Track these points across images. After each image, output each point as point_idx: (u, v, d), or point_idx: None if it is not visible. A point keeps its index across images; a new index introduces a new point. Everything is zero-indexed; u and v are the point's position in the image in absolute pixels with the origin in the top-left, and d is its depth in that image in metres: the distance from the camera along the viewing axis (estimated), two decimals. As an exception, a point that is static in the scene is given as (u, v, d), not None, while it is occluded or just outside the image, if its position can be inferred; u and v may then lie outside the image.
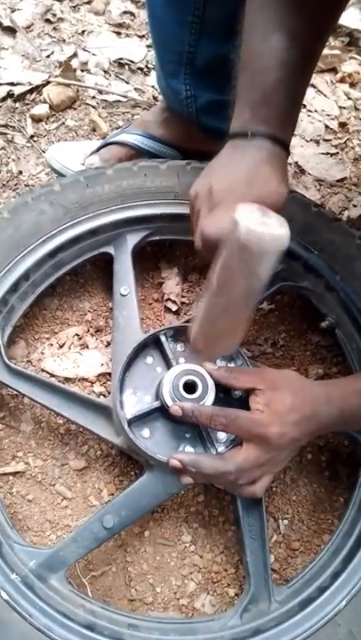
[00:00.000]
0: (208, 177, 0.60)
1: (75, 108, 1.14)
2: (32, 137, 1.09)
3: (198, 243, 0.57)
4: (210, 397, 0.68)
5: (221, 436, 0.71)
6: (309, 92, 1.27)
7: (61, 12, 1.28)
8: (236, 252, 0.48)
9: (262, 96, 0.57)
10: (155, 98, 1.18)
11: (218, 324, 0.57)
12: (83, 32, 1.26)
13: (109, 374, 0.82)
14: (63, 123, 1.12)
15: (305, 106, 1.23)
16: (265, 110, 0.57)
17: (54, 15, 1.26)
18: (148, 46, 1.25)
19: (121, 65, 1.23)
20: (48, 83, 1.14)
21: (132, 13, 1.31)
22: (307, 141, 1.18)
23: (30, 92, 1.14)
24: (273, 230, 0.47)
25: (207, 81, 0.85)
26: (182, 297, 0.91)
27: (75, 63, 1.20)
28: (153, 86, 1.20)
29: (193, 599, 0.72)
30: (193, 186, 0.62)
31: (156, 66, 0.93)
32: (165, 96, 0.95)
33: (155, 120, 0.98)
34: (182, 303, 0.90)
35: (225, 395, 0.73)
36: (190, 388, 0.69)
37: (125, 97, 1.17)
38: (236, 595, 0.73)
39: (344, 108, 1.25)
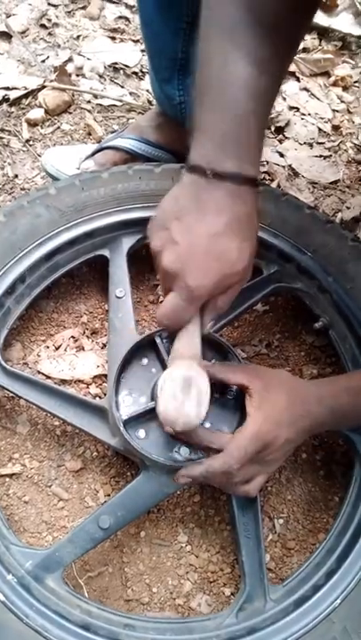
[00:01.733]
0: (164, 233, 0.55)
1: (70, 113, 1.15)
2: (27, 141, 1.10)
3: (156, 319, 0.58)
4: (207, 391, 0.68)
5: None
6: (303, 95, 1.28)
7: (56, 17, 1.28)
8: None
9: (230, 126, 0.52)
10: (149, 102, 1.19)
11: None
12: (78, 37, 1.27)
13: (105, 376, 0.82)
14: (59, 127, 1.13)
15: (298, 109, 1.25)
16: (233, 145, 0.52)
17: (49, 20, 1.27)
18: (142, 51, 1.26)
19: (116, 69, 1.24)
20: (43, 87, 1.15)
21: (126, 18, 1.32)
22: (300, 144, 1.19)
23: (26, 96, 1.14)
24: (186, 411, 0.57)
25: None
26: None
27: (70, 68, 1.21)
28: (148, 90, 1.21)
29: (189, 599, 0.73)
30: (149, 231, 0.57)
31: (149, 72, 0.94)
32: (159, 101, 0.96)
33: (149, 125, 0.99)
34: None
35: (220, 395, 0.74)
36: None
37: (120, 101, 1.18)
38: (232, 594, 0.73)
39: (337, 111, 1.26)
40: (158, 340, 0.75)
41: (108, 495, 0.76)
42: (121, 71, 1.24)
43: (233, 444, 0.60)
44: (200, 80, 0.54)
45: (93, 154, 0.98)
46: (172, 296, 0.55)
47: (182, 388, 0.57)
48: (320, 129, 1.23)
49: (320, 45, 1.35)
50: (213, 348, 0.75)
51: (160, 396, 0.58)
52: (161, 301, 0.89)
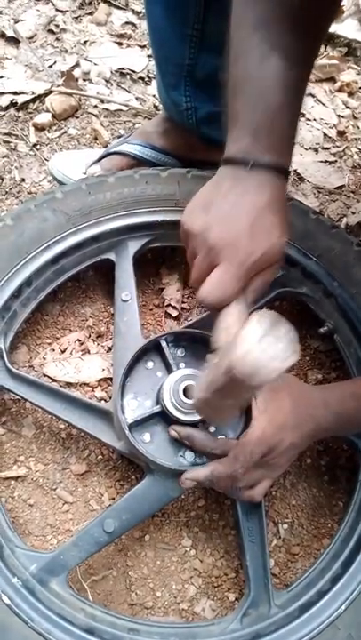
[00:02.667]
0: (206, 213, 0.56)
1: (77, 117, 1.16)
2: (35, 145, 1.11)
3: (198, 298, 0.55)
4: None
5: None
6: (308, 100, 1.28)
7: (64, 22, 1.30)
8: (229, 370, 0.46)
9: (265, 121, 0.54)
10: (156, 107, 1.19)
11: (217, 406, 0.57)
12: (85, 42, 1.28)
13: (110, 379, 0.83)
14: (65, 131, 1.14)
15: (304, 115, 1.25)
16: (268, 136, 0.54)
17: (57, 26, 1.28)
18: (149, 56, 1.27)
19: (122, 74, 1.25)
20: (51, 92, 1.16)
21: (133, 24, 1.33)
22: (306, 149, 1.20)
23: (33, 100, 1.15)
24: (275, 358, 0.44)
25: (207, 93, 0.86)
26: (183, 303, 0.92)
27: (77, 73, 1.22)
28: (154, 95, 1.21)
29: (193, 603, 0.72)
30: (187, 216, 0.58)
31: (156, 77, 0.94)
32: (166, 107, 0.96)
33: (155, 130, 1.00)
34: (183, 309, 0.91)
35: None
36: (190, 392, 0.69)
37: (127, 106, 1.19)
38: (236, 599, 0.73)
39: (342, 116, 1.27)
40: (164, 344, 0.75)
41: (113, 499, 0.77)
42: (128, 76, 1.25)
43: (238, 447, 0.60)
44: (233, 76, 0.56)
45: (100, 159, 0.99)
46: (221, 269, 0.53)
47: (269, 328, 0.45)
48: (325, 134, 1.23)
49: (326, 51, 1.36)
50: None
51: (238, 341, 0.45)
52: (167, 305, 0.90)
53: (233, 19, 0.56)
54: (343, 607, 0.64)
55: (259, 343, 0.44)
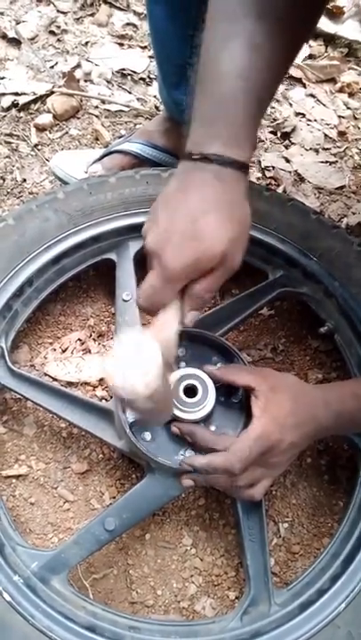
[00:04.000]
0: (150, 219, 0.55)
1: (78, 118, 1.16)
2: (36, 146, 1.11)
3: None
4: (210, 401, 0.68)
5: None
6: (309, 101, 1.29)
7: (65, 23, 1.30)
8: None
9: (217, 107, 0.52)
10: (157, 107, 1.20)
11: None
12: (86, 43, 1.29)
13: (111, 379, 0.83)
14: (67, 132, 1.14)
15: (304, 115, 1.25)
16: (218, 124, 0.52)
17: (58, 27, 1.29)
18: (150, 57, 1.28)
19: (124, 75, 1.25)
20: (52, 93, 1.17)
21: (134, 25, 1.34)
22: (306, 150, 1.20)
23: (34, 101, 1.16)
24: (133, 380, 0.49)
25: None
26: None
27: (78, 74, 1.22)
28: (155, 96, 1.22)
29: (194, 602, 0.73)
30: (147, 218, 0.57)
31: (157, 77, 0.95)
32: (167, 106, 0.97)
33: (157, 130, 1.00)
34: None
35: (225, 398, 0.74)
36: (190, 391, 0.70)
37: (128, 106, 1.19)
38: (236, 598, 0.73)
39: (343, 117, 1.27)
40: (164, 344, 0.75)
41: (114, 497, 0.77)
42: (129, 77, 1.25)
43: (237, 443, 0.60)
44: (198, 68, 0.54)
45: (101, 158, 1.00)
46: (150, 275, 0.53)
47: (132, 352, 0.50)
48: (326, 135, 1.23)
49: (326, 52, 1.36)
50: (219, 352, 0.75)
51: (107, 361, 0.50)
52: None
53: (208, 14, 0.54)
54: (343, 605, 0.64)
55: (122, 366, 0.49)
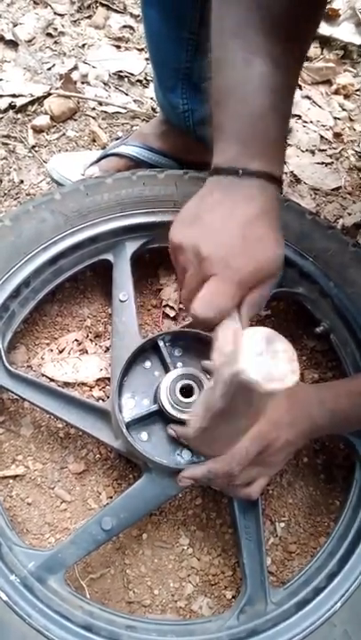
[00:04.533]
0: (195, 227, 0.53)
1: (75, 119, 1.17)
2: (33, 147, 1.11)
3: (191, 315, 0.53)
4: None
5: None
6: (305, 103, 1.29)
7: (62, 26, 1.31)
8: (232, 387, 0.44)
9: (250, 127, 0.52)
10: (153, 109, 1.20)
11: (215, 436, 0.57)
12: (83, 45, 1.29)
13: (108, 379, 0.83)
14: (64, 133, 1.14)
15: (300, 117, 1.26)
16: (255, 143, 0.52)
17: (55, 29, 1.29)
18: (146, 59, 1.28)
19: (120, 77, 1.26)
20: (49, 94, 1.17)
21: (131, 27, 1.34)
22: (302, 151, 1.21)
23: (32, 103, 1.16)
24: (276, 370, 0.42)
25: (204, 95, 0.87)
26: (180, 303, 0.92)
27: (75, 75, 1.23)
28: (152, 98, 1.22)
29: (190, 601, 0.73)
30: (176, 230, 0.55)
31: (154, 80, 0.95)
32: (163, 109, 0.97)
33: (153, 132, 1.01)
34: (180, 309, 0.92)
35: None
36: (187, 391, 0.70)
37: (125, 108, 1.19)
38: (233, 597, 0.73)
39: (339, 118, 1.28)
40: (161, 344, 0.76)
41: (111, 497, 0.77)
42: (125, 79, 1.26)
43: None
44: (217, 85, 0.54)
45: (98, 160, 1.00)
46: (212, 284, 0.51)
47: (266, 345, 0.43)
48: (322, 136, 1.24)
49: (322, 54, 1.37)
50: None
51: (238, 358, 0.43)
52: (165, 306, 0.91)
53: (212, 25, 0.54)
54: (339, 604, 0.65)
55: (261, 354, 0.43)
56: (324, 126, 1.26)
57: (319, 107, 1.29)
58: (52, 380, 0.83)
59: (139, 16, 1.34)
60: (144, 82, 1.26)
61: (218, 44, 0.54)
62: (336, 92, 1.32)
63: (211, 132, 0.55)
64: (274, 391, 0.42)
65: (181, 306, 0.93)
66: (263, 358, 0.42)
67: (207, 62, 0.56)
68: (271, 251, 0.52)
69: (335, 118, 1.27)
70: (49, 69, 1.23)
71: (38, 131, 1.14)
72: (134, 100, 1.23)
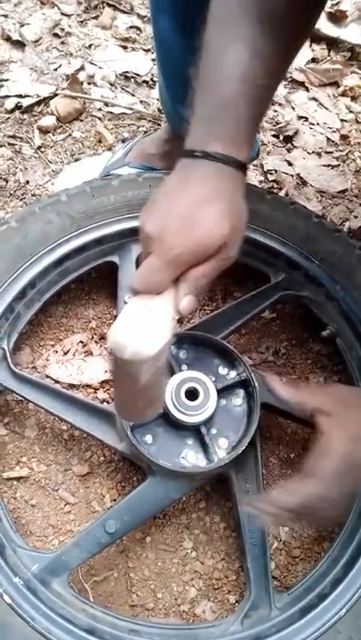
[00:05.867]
0: (149, 209, 0.55)
1: (81, 120, 1.17)
2: (39, 148, 1.11)
3: (130, 290, 0.55)
4: (211, 404, 0.69)
5: (223, 442, 0.72)
6: (312, 104, 1.29)
7: (69, 26, 1.30)
8: (110, 352, 0.51)
9: (218, 109, 0.53)
10: (160, 110, 1.20)
11: (128, 404, 0.59)
12: (90, 46, 1.29)
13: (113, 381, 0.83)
14: (70, 134, 1.14)
15: (307, 119, 1.26)
16: (219, 125, 0.53)
17: (62, 29, 1.29)
18: (153, 60, 1.28)
19: (127, 78, 1.26)
20: (55, 95, 1.17)
21: (137, 28, 1.34)
22: (309, 153, 1.20)
23: (38, 103, 1.16)
24: (141, 341, 0.48)
25: None
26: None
27: (82, 76, 1.23)
28: (158, 99, 1.22)
29: (194, 605, 0.73)
30: (142, 212, 0.57)
31: (161, 91, 0.94)
32: (171, 121, 0.96)
33: (157, 153, 1.00)
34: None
35: (227, 402, 0.74)
36: (192, 394, 0.70)
37: (131, 109, 1.19)
38: (236, 601, 0.73)
39: (346, 120, 1.27)
40: (166, 346, 0.75)
41: (115, 500, 0.77)
42: (132, 80, 1.26)
43: (316, 464, 0.54)
44: (198, 70, 0.55)
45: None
46: (149, 260, 0.53)
47: (141, 314, 0.50)
48: (328, 138, 1.23)
49: (329, 56, 1.36)
50: (221, 355, 0.75)
51: (113, 325, 0.50)
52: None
53: (207, 18, 0.55)
54: (344, 610, 0.64)
55: (125, 323, 0.49)
56: (330, 128, 1.25)
57: (326, 109, 1.29)
58: (56, 381, 0.83)
59: (145, 16, 1.34)
60: (150, 83, 1.26)
61: (208, 30, 0.55)
62: (343, 94, 1.32)
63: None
64: (130, 359, 0.48)
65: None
66: (131, 329, 0.48)
67: None
68: (210, 229, 0.52)
69: (342, 120, 1.27)
70: (55, 70, 1.23)
71: (44, 131, 1.14)
72: (141, 101, 1.22)
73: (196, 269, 0.54)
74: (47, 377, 0.84)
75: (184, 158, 0.55)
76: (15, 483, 0.77)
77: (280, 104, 1.27)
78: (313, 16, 0.58)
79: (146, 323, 0.50)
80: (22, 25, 1.28)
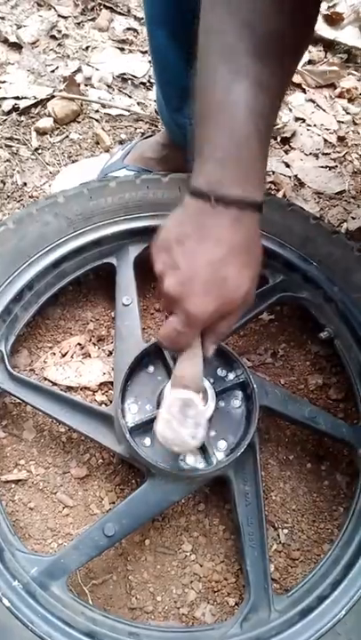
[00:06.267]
0: (166, 253, 0.54)
1: (79, 122, 1.17)
2: (37, 149, 1.11)
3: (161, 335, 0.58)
4: (210, 407, 0.68)
5: (222, 444, 0.71)
6: (309, 106, 1.29)
7: (66, 28, 1.30)
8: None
9: (233, 150, 0.51)
10: (157, 112, 1.20)
11: None
12: (87, 48, 1.29)
13: (111, 383, 0.83)
14: (67, 136, 1.14)
15: (304, 120, 1.26)
16: (235, 167, 0.51)
17: (59, 32, 1.29)
18: (150, 61, 1.28)
19: (124, 80, 1.26)
20: (53, 97, 1.17)
21: (134, 30, 1.34)
22: (306, 155, 1.20)
23: (35, 105, 1.16)
24: (182, 436, 0.59)
25: None
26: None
27: (79, 78, 1.23)
28: (155, 100, 1.22)
29: (193, 608, 0.72)
30: (153, 249, 0.57)
31: (158, 100, 0.94)
32: (169, 129, 0.96)
33: (155, 157, 1.00)
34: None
35: (225, 404, 0.74)
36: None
37: (128, 111, 1.19)
38: (236, 604, 0.73)
39: (343, 122, 1.27)
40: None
41: (113, 503, 0.77)
42: (129, 81, 1.26)
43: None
44: (201, 106, 0.53)
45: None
46: (172, 320, 0.55)
47: (179, 411, 0.58)
48: (326, 140, 1.24)
49: (326, 58, 1.37)
50: (219, 357, 0.75)
51: (158, 420, 0.60)
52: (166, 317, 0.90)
53: (200, 47, 0.53)
54: (343, 612, 0.64)
55: (168, 425, 0.59)
56: (328, 130, 1.25)
57: (323, 110, 1.29)
58: (54, 383, 0.83)
59: (142, 19, 1.34)
60: (147, 84, 1.26)
61: (204, 64, 0.53)
62: (340, 96, 1.32)
63: (191, 154, 0.54)
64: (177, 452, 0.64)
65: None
66: (172, 424, 0.59)
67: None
68: (235, 288, 0.53)
69: (339, 122, 1.27)
70: (52, 72, 1.23)
71: (42, 133, 1.13)
72: (138, 103, 1.22)
73: (221, 324, 0.56)
74: (45, 379, 0.84)
75: (197, 199, 0.52)
76: (13, 486, 0.77)
77: (277, 106, 1.27)
78: (308, 32, 0.57)
79: (186, 418, 0.59)
80: (19, 27, 1.28)
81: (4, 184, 1.06)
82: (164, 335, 0.57)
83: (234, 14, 0.50)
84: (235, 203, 0.51)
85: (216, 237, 0.52)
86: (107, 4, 1.36)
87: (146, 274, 0.91)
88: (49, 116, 1.15)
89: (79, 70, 1.24)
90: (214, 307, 0.53)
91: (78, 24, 1.33)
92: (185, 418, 0.58)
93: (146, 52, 1.31)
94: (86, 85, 1.23)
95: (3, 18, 1.29)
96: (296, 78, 1.31)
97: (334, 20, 1.37)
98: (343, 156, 1.21)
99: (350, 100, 1.32)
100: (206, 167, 0.52)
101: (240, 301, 0.54)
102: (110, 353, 0.86)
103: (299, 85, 1.31)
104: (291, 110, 1.27)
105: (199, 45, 0.53)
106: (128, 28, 1.34)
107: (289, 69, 0.56)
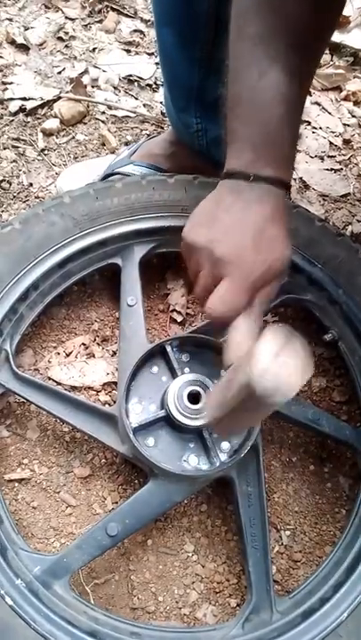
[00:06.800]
0: (209, 227, 0.56)
1: (85, 123, 1.17)
2: (43, 150, 1.12)
3: (205, 312, 0.55)
4: None
5: (225, 445, 0.72)
6: (314, 109, 1.29)
7: (73, 30, 1.31)
8: (247, 387, 0.45)
9: (266, 134, 0.55)
10: (163, 114, 1.20)
11: (233, 422, 0.57)
12: (94, 49, 1.30)
13: (115, 383, 0.83)
14: (73, 137, 1.15)
15: (310, 123, 1.26)
16: (268, 150, 0.55)
17: (66, 33, 1.30)
18: (156, 63, 1.29)
19: (130, 81, 1.26)
20: (59, 98, 1.17)
21: (141, 32, 1.35)
22: (311, 157, 1.21)
23: (42, 106, 1.17)
24: (292, 374, 0.44)
25: (217, 115, 0.86)
26: (188, 308, 0.92)
27: (85, 79, 1.23)
28: (161, 102, 1.23)
29: (195, 609, 0.72)
30: (190, 230, 0.58)
31: (165, 100, 0.94)
32: (176, 128, 0.96)
33: (162, 154, 1.00)
34: (187, 314, 0.92)
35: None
36: (194, 398, 0.70)
37: (134, 112, 1.20)
38: (237, 605, 0.73)
39: (348, 125, 1.27)
40: (169, 349, 0.75)
41: (116, 502, 0.77)
42: (135, 83, 1.26)
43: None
44: (233, 91, 0.56)
45: (104, 178, 1.00)
46: (226, 283, 0.54)
47: (276, 356, 0.45)
48: (331, 142, 1.24)
49: (332, 61, 1.37)
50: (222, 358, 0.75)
51: (250, 368, 0.45)
52: (172, 310, 0.90)
53: (232, 33, 0.55)
54: (345, 614, 0.64)
55: (275, 360, 0.44)
56: (333, 132, 1.25)
57: (329, 113, 1.29)
58: (58, 383, 0.83)
59: (149, 21, 1.35)
60: (154, 86, 1.26)
61: (237, 51, 0.55)
62: (346, 99, 1.32)
63: (224, 139, 0.57)
64: (280, 402, 0.45)
65: (189, 310, 0.92)
66: (273, 370, 0.44)
67: (221, 81, 0.58)
68: (280, 252, 0.55)
69: (345, 125, 1.27)
70: (59, 73, 1.23)
71: (48, 134, 1.14)
72: (144, 105, 1.23)
73: (267, 290, 0.56)
74: (49, 379, 0.84)
75: (232, 180, 0.56)
76: (17, 485, 0.77)
77: (283, 108, 1.27)
78: (335, 17, 0.58)
79: (285, 361, 0.45)
80: (27, 28, 1.29)
81: (11, 184, 1.06)
82: (218, 299, 0.54)
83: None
84: (269, 180, 0.55)
85: (258, 206, 0.55)
86: (114, 6, 1.36)
87: (151, 275, 0.92)
88: (55, 117, 1.15)
89: (86, 72, 1.25)
90: (266, 265, 0.54)
91: (85, 26, 1.34)
92: (286, 363, 0.45)
93: (152, 53, 1.31)
94: (93, 87, 1.23)
95: (10, 19, 1.30)
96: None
97: (341, 23, 1.37)
98: (348, 158, 1.22)
99: (356, 103, 1.32)
100: (241, 152, 0.56)
101: (285, 262, 0.56)
102: (114, 353, 0.87)
103: (304, 88, 1.32)
104: (296, 113, 1.27)
105: (231, 30, 0.55)
106: (135, 30, 1.35)
107: (317, 56, 0.59)
